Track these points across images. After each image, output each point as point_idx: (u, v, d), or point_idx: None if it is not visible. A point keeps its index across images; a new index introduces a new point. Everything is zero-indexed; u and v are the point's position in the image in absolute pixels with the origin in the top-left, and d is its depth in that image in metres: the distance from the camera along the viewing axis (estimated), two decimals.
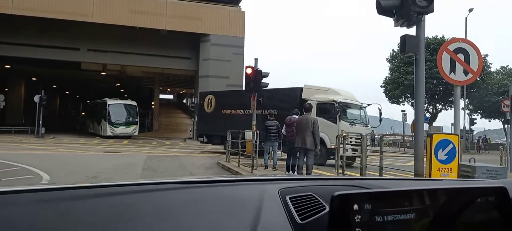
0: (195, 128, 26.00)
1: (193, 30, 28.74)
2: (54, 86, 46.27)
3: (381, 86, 34.06)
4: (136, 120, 28.47)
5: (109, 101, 28.01)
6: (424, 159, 5.76)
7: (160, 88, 42.75)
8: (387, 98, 33.57)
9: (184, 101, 59.27)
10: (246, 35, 29.84)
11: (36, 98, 25.30)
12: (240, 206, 0.87)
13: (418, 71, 5.61)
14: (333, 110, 12.80)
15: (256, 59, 12.30)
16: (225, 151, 13.39)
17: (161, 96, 47.57)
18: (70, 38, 27.82)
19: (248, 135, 12.54)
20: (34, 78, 39.31)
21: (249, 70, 11.87)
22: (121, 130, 27.14)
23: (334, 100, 12.91)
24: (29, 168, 9.79)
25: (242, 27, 29.57)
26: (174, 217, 0.80)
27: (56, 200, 0.84)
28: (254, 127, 11.96)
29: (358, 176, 7.89)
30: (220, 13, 29.07)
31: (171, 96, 61.21)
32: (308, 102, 9.11)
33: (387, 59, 34.38)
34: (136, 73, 36.95)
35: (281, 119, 12.14)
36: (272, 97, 14.64)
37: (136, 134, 28.15)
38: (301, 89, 14.20)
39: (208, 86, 28.46)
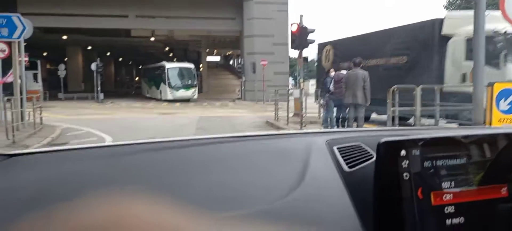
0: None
1: None
2: (108, 53, 48.42)
3: None
4: (195, 82, 28.05)
5: (168, 65, 27.87)
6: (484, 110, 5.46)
7: (207, 50, 43.28)
8: None
9: (231, 62, 59.72)
10: None
11: (93, 66, 26.80)
12: (288, 156, 0.90)
13: (478, 15, 5.20)
14: (494, 47, 8.37)
15: (301, 16, 12.05)
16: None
17: (209, 58, 48.17)
18: (119, 6, 28.63)
19: (296, 93, 12.51)
20: (89, 47, 41.36)
21: (294, 28, 11.68)
22: (181, 93, 26.75)
23: (495, 32, 8.33)
24: (93, 131, 10.55)
25: None
26: (226, 167, 0.86)
27: (120, 154, 0.93)
28: (302, 84, 11.87)
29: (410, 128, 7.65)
30: None
31: (218, 58, 61.83)
32: (358, 57, 8.62)
33: (444, 6, 32.17)
34: (183, 37, 37.56)
35: (412, 64, 9.97)
36: (399, 37, 11.04)
37: (196, 97, 27.61)
38: (440, 21, 9.91)
39: (254, 46, 28.33)
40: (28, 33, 9.98)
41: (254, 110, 19.01)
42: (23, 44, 10.41)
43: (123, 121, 14.51)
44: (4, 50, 11.06)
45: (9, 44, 10.40)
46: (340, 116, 9.32)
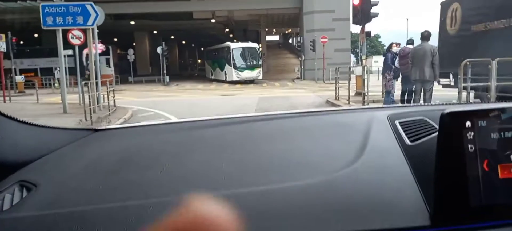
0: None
1: None
2: (172, 37, 50.41)
3: None
4: (260, 62, 27.09)
5: (232, 45, 27.13)
6: None
7: (266, 30, 43.29)
8: None
9: (290, 41, 59.16)
10: None
11: (159, 50, 28.12)
12: (348, 129, 0.91)
13: None
14: None
15: None
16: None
17: (268, 38, 48.18)
18: None
19: (358, 70, 12.13)
20: (155, 32, 43.36)
21: (356, 1, 11.22)
22: (247, 74, 25.98)
23: None
24: (161, 112, 11.16)
25: None
26: (288, 139, 0.89)
27: (191, 128, 1.01)
28: (364, 61, 11.47)
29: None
30: None
31: (277, 37, 61.61)
32: (425, 30, 8.12)
33: None
34: (242, 17, 37.88)
35: None
36: None
37: (261, 77, 26.88)
38: None
39: (313, 22, 27.74)
40: (100, 20, 10.69)
41: (314, 89, 18.78)
42: (96, 31, 11.20)
43: (188, 102, 15.16)
44: (80, 37, 12.01)
45: (84, 31, 11.25)
46: (406, 91, 8.93)
